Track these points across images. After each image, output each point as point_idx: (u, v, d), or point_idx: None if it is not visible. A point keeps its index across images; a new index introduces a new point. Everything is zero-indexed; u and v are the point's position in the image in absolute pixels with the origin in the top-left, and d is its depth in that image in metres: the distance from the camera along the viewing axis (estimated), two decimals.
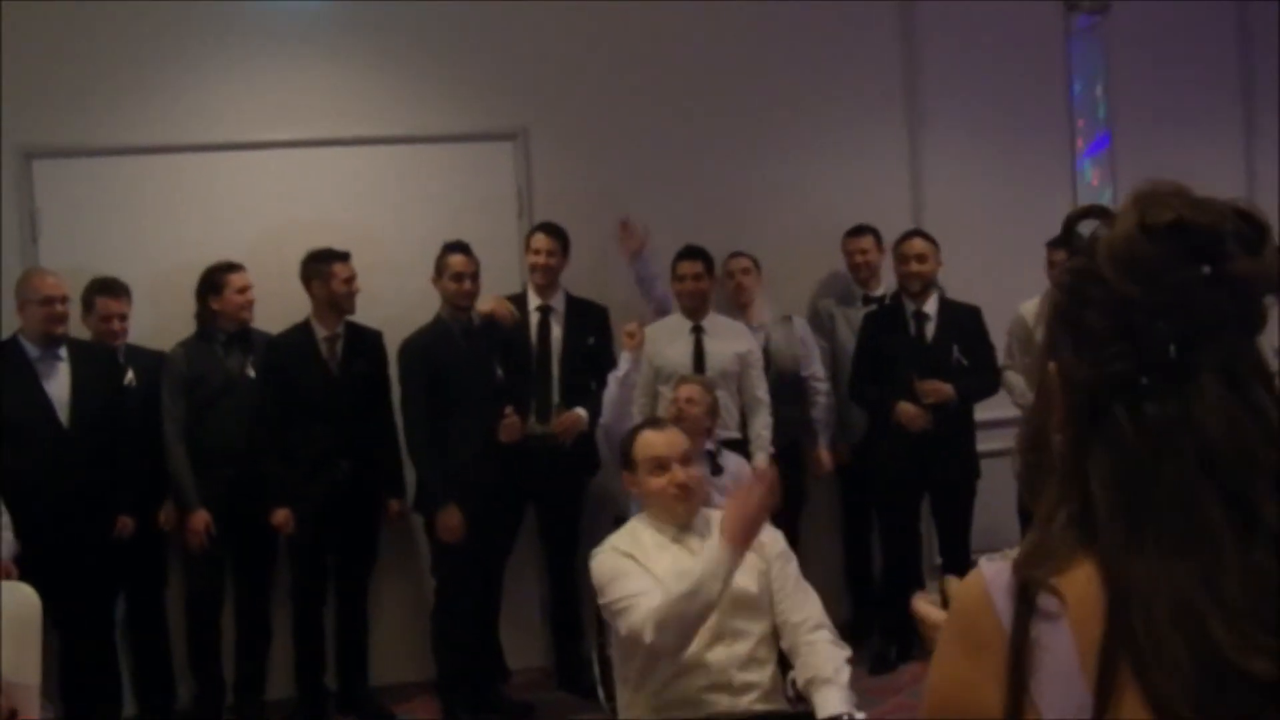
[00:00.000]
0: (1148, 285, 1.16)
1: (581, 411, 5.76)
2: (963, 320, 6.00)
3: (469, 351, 5.53)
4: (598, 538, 3.71)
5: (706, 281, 5.85)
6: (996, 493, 6.24)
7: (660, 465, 3.56)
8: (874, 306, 6.28)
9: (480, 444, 5.45)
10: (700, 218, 6.26)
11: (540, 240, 5.88)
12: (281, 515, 5.48)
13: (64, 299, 5.23)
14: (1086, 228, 1.25)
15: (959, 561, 6.03)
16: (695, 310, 5.83)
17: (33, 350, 5.14)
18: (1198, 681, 1.09)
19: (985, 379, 5.99)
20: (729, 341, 5.80)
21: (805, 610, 3.50)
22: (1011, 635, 1.18)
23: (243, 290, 5.58)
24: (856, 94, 6.73)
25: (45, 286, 5.18)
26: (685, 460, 3.61)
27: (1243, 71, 7.34)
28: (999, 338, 6.12)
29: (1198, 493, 1.13)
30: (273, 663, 5.81)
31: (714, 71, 6.51)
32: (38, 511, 4.90)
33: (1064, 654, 1.15)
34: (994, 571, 1.22)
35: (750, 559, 3.50)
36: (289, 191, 6.02)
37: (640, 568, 3.38)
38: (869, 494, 6.33)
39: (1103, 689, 1.12)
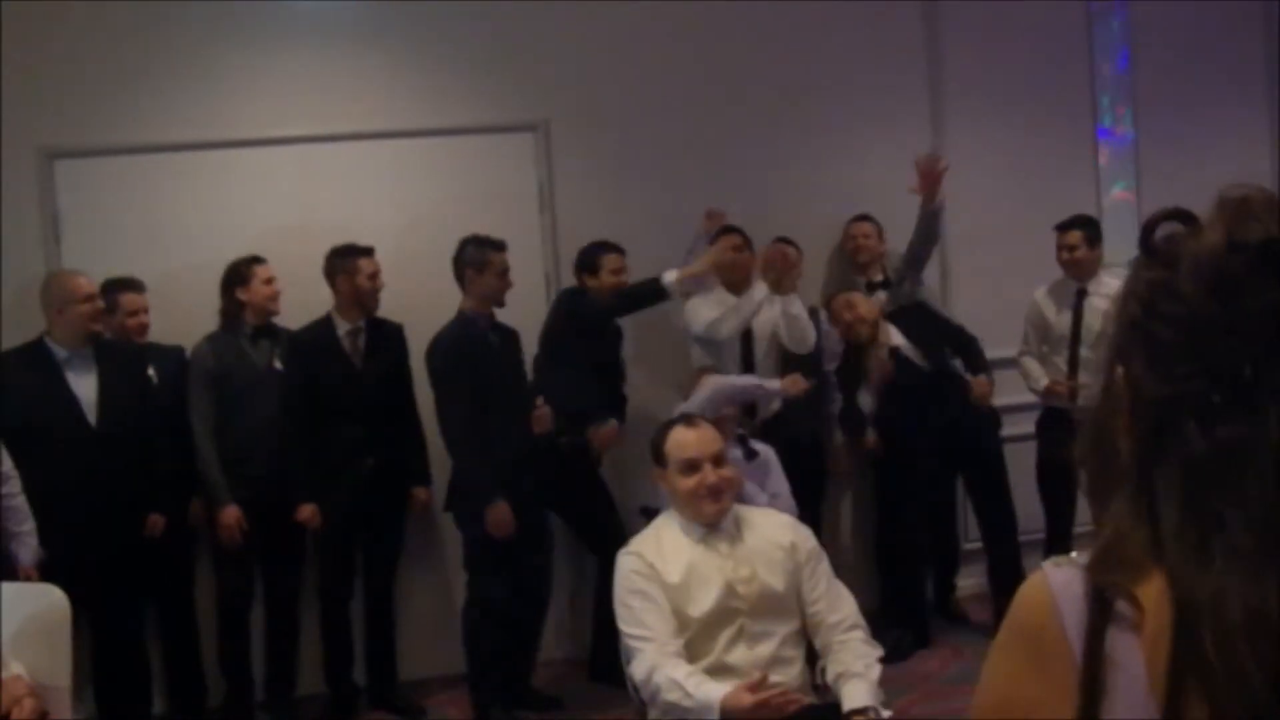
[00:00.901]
0: (1230, 305, 1.11)
1: (615, 422, 5.89)
2: (915, 321, 6.03)
3: (500, 347, 5.52)
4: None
5: (749, 255, 5.89)
6: (1012, 477, 6.24)
7: (692, 466, 3.56)
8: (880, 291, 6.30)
9: (520, 440, 5.43)
10: (722, 208, 6.23)
11: (616, 260, 5.90)
12: (307, 510, 5.48)
13: (99, 296, 5.24)
14: (1165, 230, 1.19)
15: (1005, 531, 6.09)
16: (738, 285, 5.84)
17: (60, 352, 5.13)
18: (1267, 701, 1.04)
19: (975, 351, 6.05)
20: (768, 310, 5.85)
21: (841, 610, 3.53)
22: (1085, 647, 1.13)
23: (269, 282, 5.58)
24: (879, 83, 6.70)
25: (83, 286, 5.16)
26: (718, 460, 3.61)
27: (1268, 55, 7.27)
28: (1020, 322, 6.09)
29: (1271, 512, 1.08)
30: (302, 659, 5.82)
31: (735, 62, 6.49)
32: (68, 512, 4.91)
33: (1135, 672, 1.11)
34: (1062, 579, 1.17)
35: (778, 557, 3.53)
36: (309, 187, 6.02)
37: (654, 591, 3.43)
38: (901, 481, 6.30)
39: (1170, 712, 1.08)
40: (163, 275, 5.75)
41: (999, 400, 6.16)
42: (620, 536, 5.82)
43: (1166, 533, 1.11)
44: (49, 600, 3.46)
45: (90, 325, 5.15)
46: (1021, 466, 6.27)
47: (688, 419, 3.84)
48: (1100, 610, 1.12)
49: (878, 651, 3.48)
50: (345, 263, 5.59)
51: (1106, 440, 1.20)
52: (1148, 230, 1.20)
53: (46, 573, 4.55)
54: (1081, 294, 6.02)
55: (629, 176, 6.34)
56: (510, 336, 5.64)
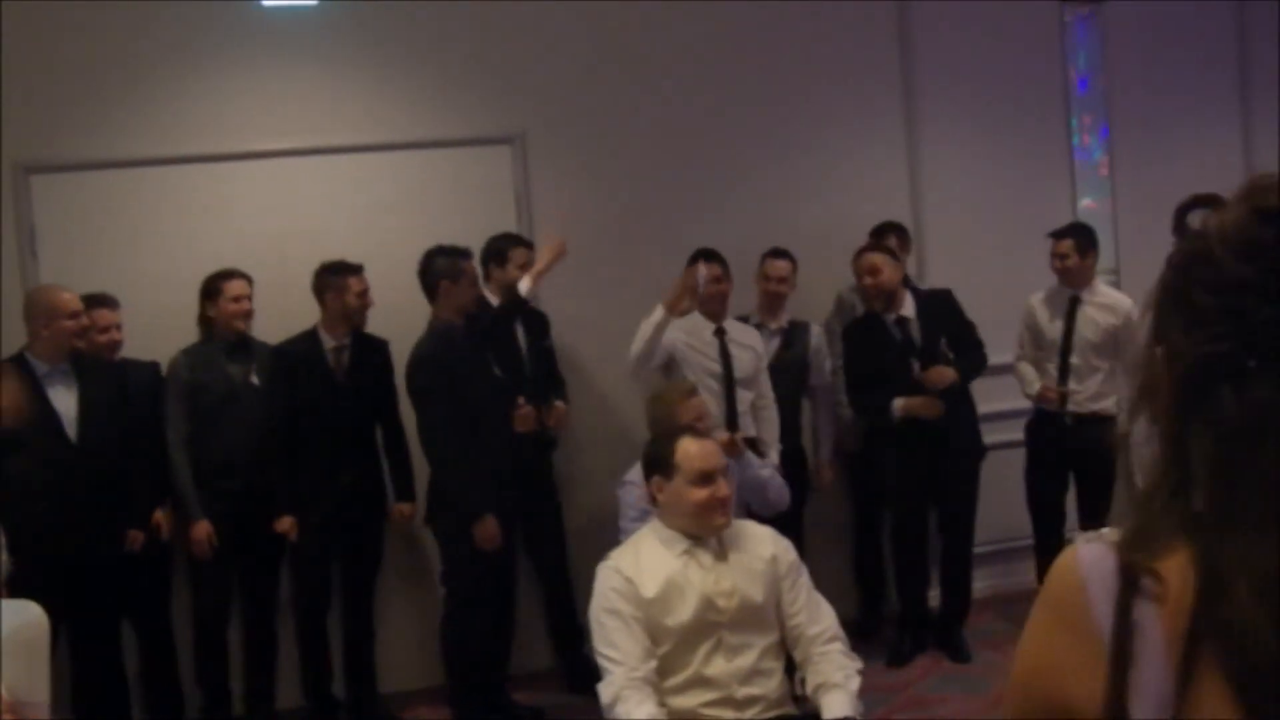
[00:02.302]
0: (1260, 266, 1.15)
1: (561, 404, 5.89)
2: (939, 308, 6.01)
3: (473, 356, 5.52)
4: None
5: (727, 284, 5.87)
6: (1003, 483, 6.28)
7: (706, 478, 3.56)
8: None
9: (503, 450, 5.45)
10: (696, 220, 6.27)
11: (524, 255, 5.83)
12: (286, 522, 5.48)
13: (83, 313, 5.21)
14: (1195, 218, 1.24)
15: (959, 543, 6.08)
16: (717, 313, 5.85)
17: (41, 367, 5.11)
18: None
19: (975, 356, 6.01)
20: (745, 346, 5.87)
21: (821, 623, 3.55)
22: (1115, 621, 1.17)
23: (237, 299, 5.57)
24: (854, 92, 6.74)
25: (68, 302, 5.13)
26: (724, 474, 3.64)
27: (1240, 60, 7.34)
28: (993, 328, 6.12)
29: None
30: (280, 673, 5.81)
31: (710, 74, 6.51)
32: (46, 527, 4.89)
33: (1155, 640, 1.15)
34: (1092, 555, 1.22)
35: (759, 569, 3.53)
36: (287, 201, 6.02)
37: (628, 610, 3.43)
38: (877, 495, 6.38)
39: (1185, 674, 1.12)
40: (139, 290, 5.73)
41: (984, 408, 6.19)
42: (562, 543, 5.94)
43: (1197, 498, 1.16)
44: (28, 616, 3.44)
45: (73, 341, 5.14)
46: (1009, 472, 6.32)
47: (692, 430, 3.86)
48: (1128, 584, 1.17)
49: (857, 663, 3.50)
50: (335, 280, 5.60)
51: (1143, 419, 1.23)
52: (1180, 214, 1.28)
53: (25, 586, 4.52)
54: (1075, 301, 6.06)
55: (605, 188, 6.37)
56: (481, 339, 5.62)
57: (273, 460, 5.51)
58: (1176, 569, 1.15)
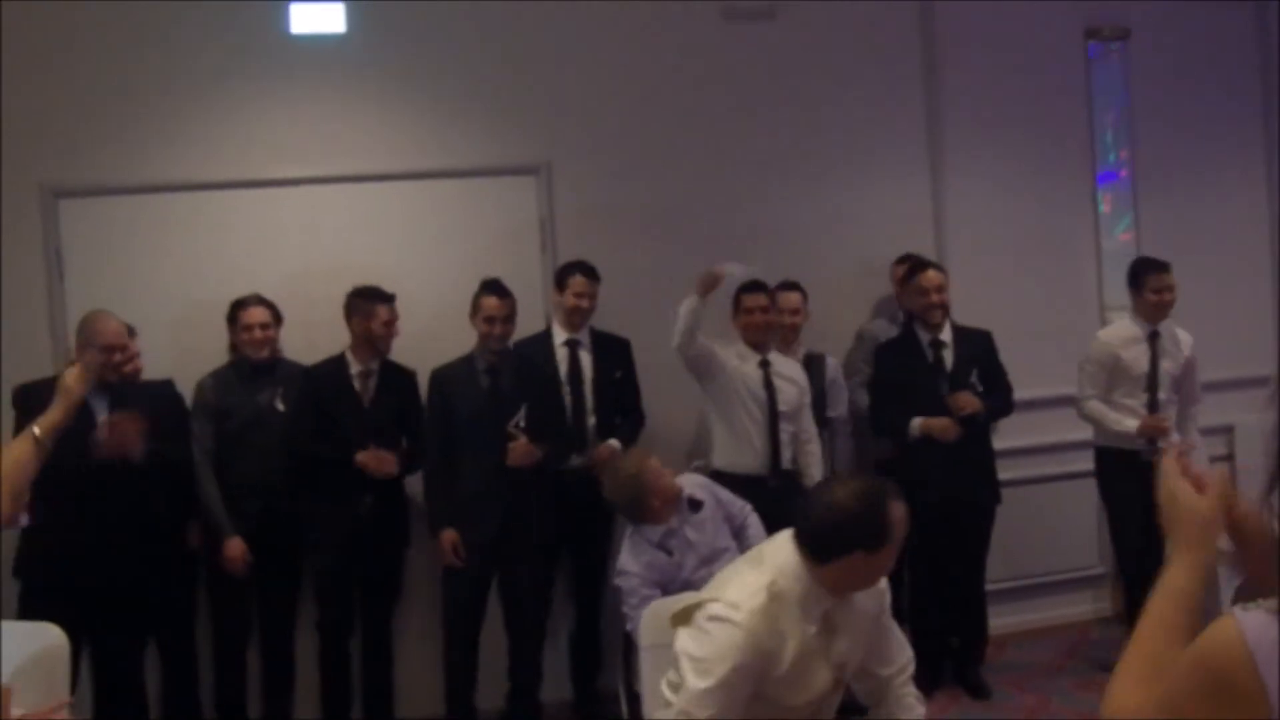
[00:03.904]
0: None
1: (615, 443, 5.80)
2: (976, 345, 6.00)
3: (490, 390, 5.54)
4: None
5: (773, 314, 5.87)
6: (1016, 520, 6.25)
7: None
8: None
9: (486, 480, 5.45)
10: (720, 249, 6.24)
11: (581, 284, 5.89)
12: (235, 547, 5.50)
13: (124, 348, 5.16)
14: None
15: (973, 582, 6.04)
16: (761, 344, 5.83)
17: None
18: None
19: (1004, 398, 6.03)
20: (789, 379, 5.84)
21: (899, 660, 3.27)
22: None
23: (250, 327, 5.59)
24: (879, 123, 6.75)
25: (108, 334, 5.10)
26: None
27: (1265, 96, 7.34)
28: (1016, 361, 6.10)
29: None
30: (299, 696, 5.81)
31: (735, 105, 6.53)
32: (72, 551, 4.90)
33: None
34: (1257, 625, 1.21)
35: (866, 626, 3.19)
36: (312, 228, 6.05)
37: (742, 692, 2.95)
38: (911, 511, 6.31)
39: None
40: (164, 314, 5.77)
41: (999, 444, 6.16)
42: (601, 579, 5.92)
43: None
44: (48, 639, 3.46)
45: (106, 374, 5.10)
46: (1022, 508, 6.29)
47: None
48: None
49: (922, 708, 3.26)
50: (364, 305, 5.61)
51: None
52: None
53: (53, 605, 4.52)
54: (1155, 336, 6.03)
55: (629, 218, 6.38)
56: (524, 369, 5.67)
57: (295, 481, 5.53)
58: None
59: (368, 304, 5.62)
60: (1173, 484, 1.68)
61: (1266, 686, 1.17)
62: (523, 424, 5.49)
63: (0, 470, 2.87)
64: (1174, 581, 1.62)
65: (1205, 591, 1.62)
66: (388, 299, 5.66)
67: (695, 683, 2.88)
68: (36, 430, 3.06)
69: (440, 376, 5.60)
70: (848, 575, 2.95)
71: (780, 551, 3.04)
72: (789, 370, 5.87)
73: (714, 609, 2.94)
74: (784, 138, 6.59)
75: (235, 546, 5.47)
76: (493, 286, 5.58)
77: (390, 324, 5.66)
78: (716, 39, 6.48)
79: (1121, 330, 6.13)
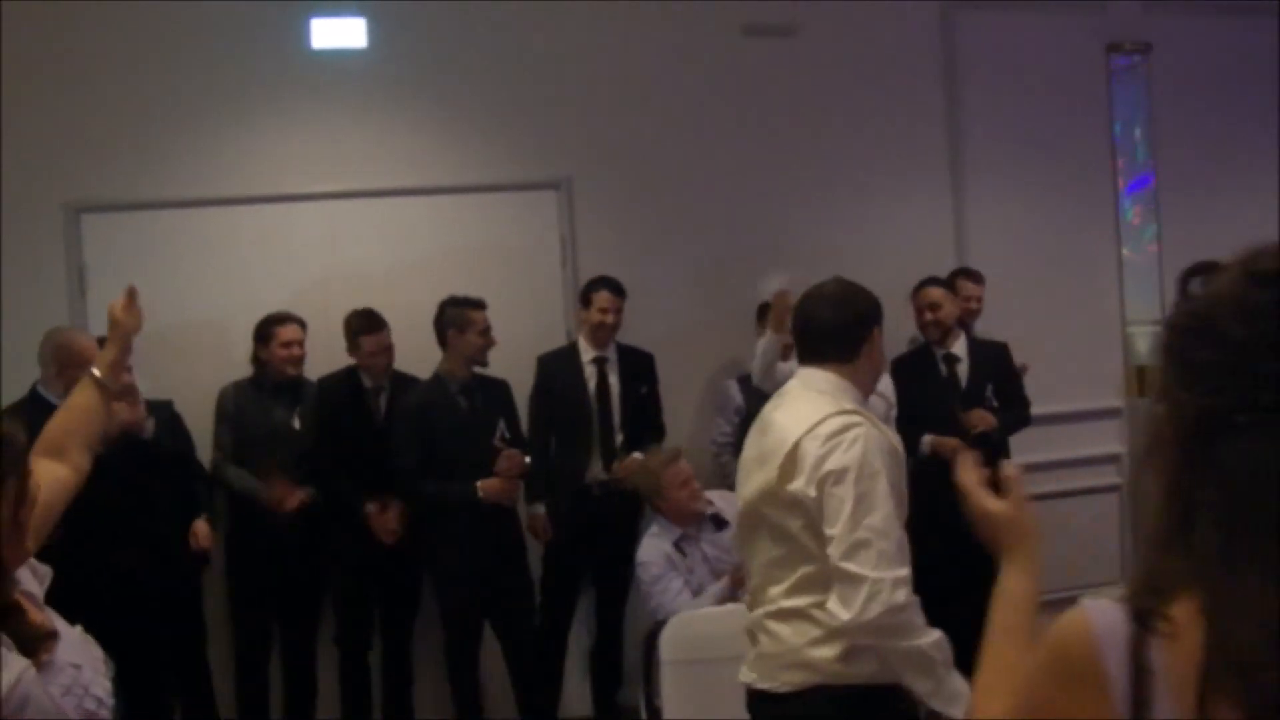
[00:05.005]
0: (1252, 328, 1.24)
1: (640, 456, 5.77)
2: (993, 358, 5.97)
3: (471, 409, 5.49)
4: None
5: None
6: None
7: None
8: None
9: (472, 499, 5.39)
10: (742, 266, 6.25)
11: (606, 299, 5.86)
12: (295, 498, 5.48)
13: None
14: (1196, 284, 1.38)
15: (975, 593, 6.00)
16: None
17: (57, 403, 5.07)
18: None
19: (1020, 412, 6.00)
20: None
21: None
22: (1130, 666, 1.25)
23: (287, 344, 5.58)
24: (900, 141, 6.74)
25: (90, 352, 5.09)
26: None
27: None
28: (1035, 375, 6.07)
29: None
30: (319, 709, 5.80)
31: (754, 121, 6.53)
32: (83, 570, 4.88)
33: (1167, 681, 1.23)
34: (1100, 613, 1.30)
35: None
36: (334, 243, 6.06)
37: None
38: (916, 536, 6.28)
39: (1201, 709, 1.20)
40: (188, 328, 5.78)
41: (1041, 456, 6.14)
42: (624, 595, 5.90)
43: (1203, 548, 1.24)
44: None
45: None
46: (1078, 518, 6.28)
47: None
48: (1142, 630, 1.26)
49: None
50: (368, 324, 5.60)
51: (1149, 477, 1.33)
52: (1184, 280, 1.41)
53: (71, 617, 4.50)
54: None
55: (650, 233, 6.38)
56: (494, 390, 5.62)
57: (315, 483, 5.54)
58: (1184, 612, 1.23)
59: (368, 324, 5.59)
60: (977, 497, 1.80)
61: (1110, 674, 1.26)
62: (507, 435, 5.48)
63: (69, 420, 2.72)
64: (1007, 587, 1.78)
65: (1039, 587, 1.78)
66: (380, 325, 5.62)
67: (866, 508, 2.83)
68: (96, 371, 2.88)
69: (408, 404, 5.51)
70: (870, 362, 3.13)
71: (813, 384, 3.09)
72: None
73: (832, 424, 2.91)
74: (804, 153, 6.59)
75: (280, 489, 5.45)
76: (479, 302, 5.50)
77: (388, 350, 5.64)
78: (737, 55, 6.48)
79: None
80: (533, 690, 5.67)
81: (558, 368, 5.84)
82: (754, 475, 3.04)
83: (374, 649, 5.81)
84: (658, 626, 4.24)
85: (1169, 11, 7.11)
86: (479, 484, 5.31)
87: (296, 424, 5.62)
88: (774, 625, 2.97)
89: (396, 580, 5.72)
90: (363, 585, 5.66)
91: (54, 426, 2.67)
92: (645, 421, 5.96)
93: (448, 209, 6.20)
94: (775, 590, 2.99)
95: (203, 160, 5.93)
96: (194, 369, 5.72)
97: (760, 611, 3.01)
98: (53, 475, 2.36)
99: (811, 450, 2.88)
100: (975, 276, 6.36)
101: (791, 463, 2.90)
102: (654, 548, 4.81)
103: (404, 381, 5.72)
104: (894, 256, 6.48)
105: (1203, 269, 1.22)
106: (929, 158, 6.80)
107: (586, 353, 5.91)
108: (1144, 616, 1.26)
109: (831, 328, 3.10)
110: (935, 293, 5.94)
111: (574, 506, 5.77)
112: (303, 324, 5.64)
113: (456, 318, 5.44)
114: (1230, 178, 7.17)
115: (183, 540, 5.38)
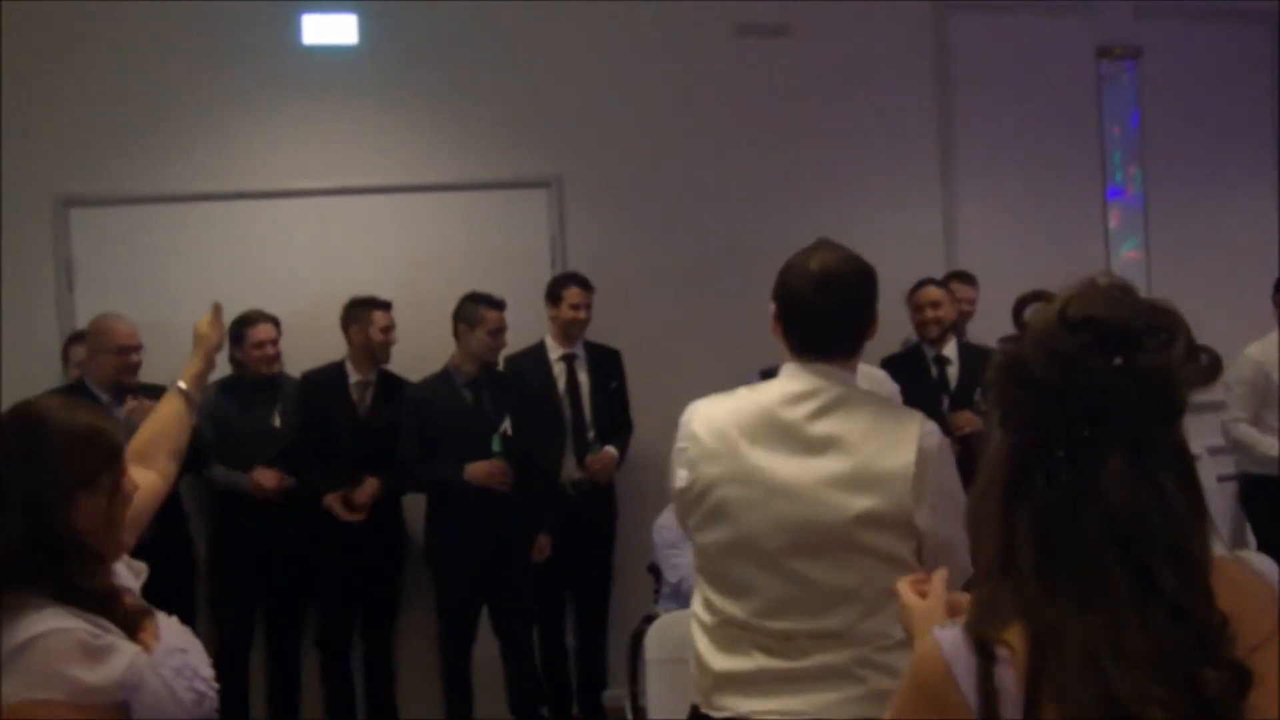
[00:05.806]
0: (1064, 371, 1.32)
1: (612, 449, 5.80)
2: (983, 363, 5.93)
3: (476, 405, 5.51)
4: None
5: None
6: None
7: None
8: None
9: (475, 499, 5.38)
10: (730, 266, 6.25)
11: (577, 295, 5.86)
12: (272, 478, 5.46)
13: (138, 349, 5.21)
14: (1030, 312, 1.44)
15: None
16: None
17: (103, 396, 5.11)
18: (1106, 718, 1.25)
19: None
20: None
21: None
22: (979, 688, 1.32)
23: (260, 345, 5.55)
24: (891, 141, 6.73)
25: (119, 336, 5.16)
26: None
27: (1275, 115, 7.31)
28: None
29: (1101, 555, 1.29)
30: (302, 708, 5.80)
31: (746, 120, 6.53)
32: None
33: (1014, 699, 1.30)
34: (950, 640, 1.36)
35: None
36: (323, 239, 6.06)
37: None
38: None
39: (1031, 716, 1.28)
40: (174, 324, 5.72)
41: None
42: (606, 594, 5.93)
43: (1022, 572, 1.33)
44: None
45: (122, 376, 5.12)
46: None
47: None
48: (985, 657, 1.32)
49: None
50: (361, 313, 5.61)
51: (985, 503, 1.42)
52: (1018, 308, 1.50)
53: None
54: None
55: (641, 232, 6.38)
56: (504, 387, 5.62)
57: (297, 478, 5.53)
58: (1018, 636, 1.31)
59: (364, 312, 5.62)
60: (902, 595, 1.79)
61: (963, 691, 1.32)
62: (510, 433, 5.47)
63: (157, 430, 2.78)
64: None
65: None
66: (384, 305, 5.65)
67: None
68: (182, 384, 2.93)
69: (412, 394, 5.54)
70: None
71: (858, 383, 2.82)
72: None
73: (936, 436, 2.69)
74: (795, 154, 6.58)
75: (264, 474, 5.44)
76: (500, 301, 5.52)
77: (388, 331, 5.64)
78: (730, 55, 6.48)
79: (1271, 347, 5.79)
80: (526, 690, 5.67)
81: (526, 367, 5.83)
82: (834, 497, 2.64)
83: (355, 649, 5.79)
84: (643, 625, 4.23)
85: (1159, 17, 7.12)
86: (467, 466, 5.31)
87: (276, 422, 5.61)
88: (891, 659, 2.59)
89: (378, 577, 5.71)
90: (345, 583, 5.65)
91: (143, 436, 2.76)
92: (615, 418, 5.95)
93: (438, 206, 6.20)
94: (886, 618, 2.51)
95: (192, 155, 5.93)
96: (182, 365, 5.67)
97: (868, 648, 2.62)
98: (144, 480, 2.43)
99: (930, 471, 2.66)
100: (969, 279, 6.37)
101: (920, 483, 2.65)
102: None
103: (390, 380, 5.71)
104: (884, 258, 6.42)
105: (1034, 298, 1.29)
106: (919, 159, 6.79)
107: (554, 350, 5.90)
108: (981, 645, 1.33)
109: (844, 318, 2.71)
110: (935, 292, 5.96)
111: (552, 509, 5.72)
112: (276, 322, 5.62)
113: (469, 313, 5.47)
114: (1219, 183, 7.18)
115: (172, 541, 5.37)
